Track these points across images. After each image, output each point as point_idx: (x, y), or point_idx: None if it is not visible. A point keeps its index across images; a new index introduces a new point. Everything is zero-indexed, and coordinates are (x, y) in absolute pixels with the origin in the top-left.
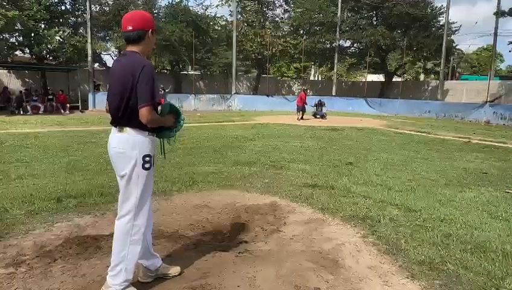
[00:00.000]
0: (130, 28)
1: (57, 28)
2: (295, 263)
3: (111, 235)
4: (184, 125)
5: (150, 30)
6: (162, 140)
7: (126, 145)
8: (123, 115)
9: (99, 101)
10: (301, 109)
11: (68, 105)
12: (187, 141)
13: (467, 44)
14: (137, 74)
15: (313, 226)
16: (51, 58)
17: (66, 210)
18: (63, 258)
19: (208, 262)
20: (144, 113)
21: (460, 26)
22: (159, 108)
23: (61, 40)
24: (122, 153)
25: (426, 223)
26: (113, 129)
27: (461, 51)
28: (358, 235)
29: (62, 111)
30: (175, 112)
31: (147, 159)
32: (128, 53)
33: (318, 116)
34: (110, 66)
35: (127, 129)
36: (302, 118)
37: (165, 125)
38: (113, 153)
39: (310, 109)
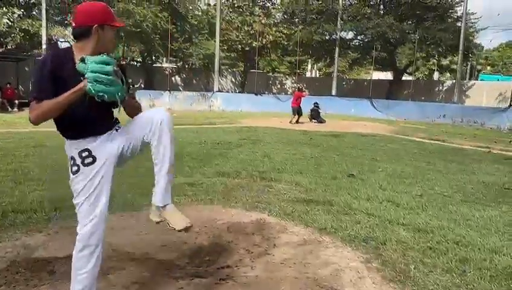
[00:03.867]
0: (74, 24)
1: (4, 9)
2: None
3: (66, 257)
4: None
5: (96, 25)
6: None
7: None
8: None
9: None
10: (297, 110)
11: (17, 101)
12: None
13: (488, 38)
14: None
15: (307, 248)
16: None
17: (13, 227)
18: (8, 284)
19: None
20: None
21: (481, 17)
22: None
23: (9, 23)
24: None
25: (439, 245)
26: None
27: (480, 46)
28: (360, 260)
29: (9, 108)
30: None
31: (71, 162)
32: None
33: (315, 120)
34: None
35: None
36: (297, 121)
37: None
38: None
39: (306, 110)
